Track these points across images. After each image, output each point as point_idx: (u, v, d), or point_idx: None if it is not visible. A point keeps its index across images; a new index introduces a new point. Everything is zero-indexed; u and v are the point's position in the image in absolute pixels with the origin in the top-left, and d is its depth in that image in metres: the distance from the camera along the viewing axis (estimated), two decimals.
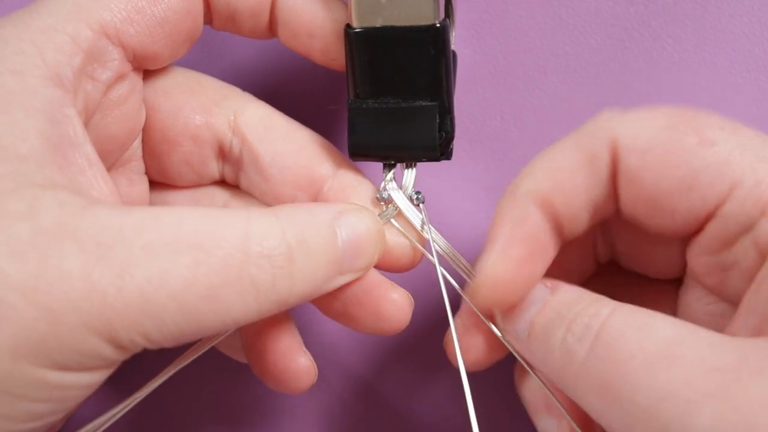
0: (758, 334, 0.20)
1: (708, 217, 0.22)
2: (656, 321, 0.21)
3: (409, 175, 0.28)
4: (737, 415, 0.18)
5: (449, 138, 0.26)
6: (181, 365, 0.27)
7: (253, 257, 0.22)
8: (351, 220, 0.25)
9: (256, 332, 0.28)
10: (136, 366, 0.26)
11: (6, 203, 0.20)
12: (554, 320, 0.23)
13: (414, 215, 0.27)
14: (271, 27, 0.27)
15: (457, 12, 0.32)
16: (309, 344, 0.29)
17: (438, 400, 0.34)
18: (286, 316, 0.28)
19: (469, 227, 0.34)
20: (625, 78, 0.32)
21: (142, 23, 0.25)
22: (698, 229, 0.23)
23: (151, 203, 0.29)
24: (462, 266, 0.27)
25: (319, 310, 0.28)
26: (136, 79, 0.26)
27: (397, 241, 0.27)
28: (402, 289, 0.27)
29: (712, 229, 0.22)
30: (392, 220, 0.27)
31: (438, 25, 0.25)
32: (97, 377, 0.22)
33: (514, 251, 0.24)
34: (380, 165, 0.28)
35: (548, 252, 0.25)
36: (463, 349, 0.26)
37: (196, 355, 0.27)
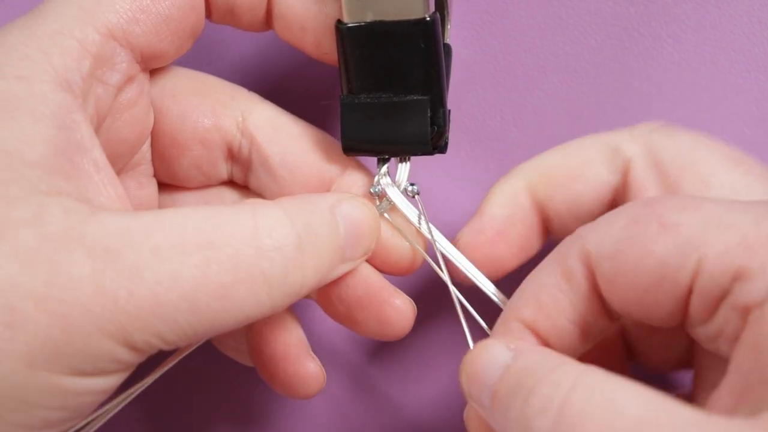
0: (742, 398, 0.19)
1: (688, 297, 0.21)
2: (626, 396, 0.19)
3: (403, 170, 0.28)
4: None
5: (441, 131, 0.26)
6: (179, 357, 0.27)
7: (264, 250, 0.22)
8: (348, 208, 0.25)
9: (263, 336, 0.28)
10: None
11: (12, 211, 0.20)
12: (514, 389, 0.21)
13: (408, 209, 0.27)
14: (268, 20, 0.27)
15: (453, 7, 0.32)
16: (311, 347, 0.29)
17: (439, 402, 0.34)
18: (294, 319, 0.28)
19: None
20: (625, 78, 0.32)
21: (148, 22, 0.25)
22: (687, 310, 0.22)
23: (161, 205, 0.29)
24: (461, 264, 0.27)
25: (325, 312, 0.28)
26: (144, 80, 0.26)
27: (396, 243, 0.27)
28: (405, 296, 0.27)
29: (693, 305, 0.21)
30: (386, 215, 0.27)
31: (428, 18, 0.25)
32: (113, 381, 0.22)
33: None
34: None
35: None
36: None
37: (190, 350, 0.27)
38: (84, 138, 0.23)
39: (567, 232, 0.24)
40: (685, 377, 0.30)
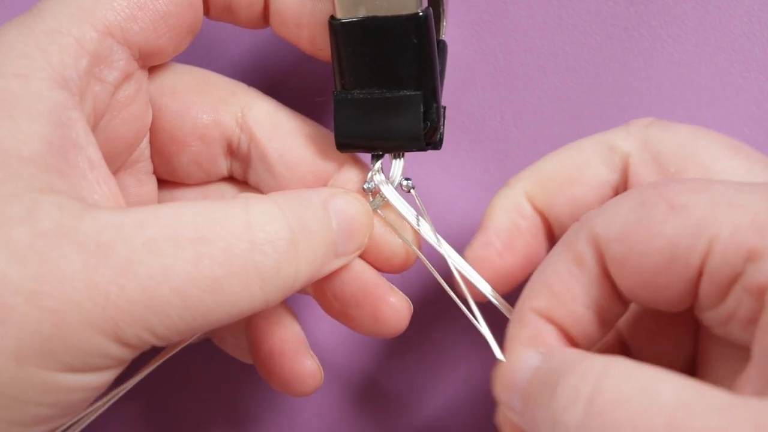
0: None
1: (698, 279, 0.21)
2: (659, 382, 0.19)
3: (397, 166, 0.28)
4: None
5: (435, 127, 0.26)
6: (171, 353, 0.27)
7: (257, 244, 0.22)
8: (340, 203, 0.25)
9: (262, 334, 0.28)
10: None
11: (6, 207, 0.20)
12: (541, 387, 0.21)
13: (402, 205, 0.27)
14: (265, 16, 0.27)
15: (450, 5, 0.32)
16: (311, 346, 0.29)
17: (439, 401, 0.34)
18: (292, 316, 0.28)
19: (470, 227, 0.34)
20: (625, 78, 0.32)
21: (145, 19, 0.25)
22: (697, 293, 0.22)
23: (160, 201, 0.29)
24: (456, 261, 0.27)
25: (322, 308, 0.28)
26: (142, 77, 0.26)
27: (388, 240, 0.27)
28: (401, 294, 0.27)
29: (703, 288, 0.21)
30: (379, 211, 0.27)
31: (420, 13, 0.25)
32: (105, 378, 0.22)
33: None
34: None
35: None
36: None
37: (183, 345, 0.27)
38: (79, 135, 0.23)
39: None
40: None
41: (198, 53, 0.33)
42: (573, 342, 0.23)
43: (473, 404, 0.34)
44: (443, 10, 0.28)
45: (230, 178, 0.29)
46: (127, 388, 0.26)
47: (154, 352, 0.26)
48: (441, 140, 0.27)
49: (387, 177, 0.27)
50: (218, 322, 0.22)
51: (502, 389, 0.23)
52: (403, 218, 0.27)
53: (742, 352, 0.21)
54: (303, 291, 0.29)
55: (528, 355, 0.23)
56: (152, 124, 0.27)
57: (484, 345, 0.27)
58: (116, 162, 0.27)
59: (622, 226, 0.22)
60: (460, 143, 0.33)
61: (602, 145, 0.26)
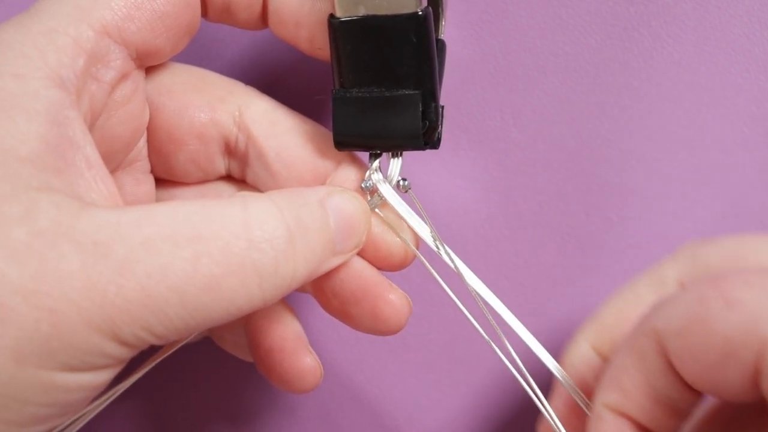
0: None
1: (756, 374, 0.21)
2: None
3: (395, 165, 0.28)
4: None
5: (433, 126, 0.26)
6: (170, 351, 0.27)
7: (255, 242, 0.22)
8: (338, 201, 0.25)
9: (262, 331, 0.28)
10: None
11: (3, 207, 0.20)
12: None
13: (399, 204, 0.27)
14: (264, 17, 0.27)
15: (450, 5, 0.32)
16: (311, 344, 0.29)
17: (439, 401, 0.34)
18: (291, 314, 0.28)
19: (469, 227, 0.34)
20: (625, 78, 0.32)
21: (142, 19, 0.25)
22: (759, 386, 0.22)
23: (158, 201, 0.29)
24: (455, 259, 0.27)
25: (321, 306, 0.28)
26: (139, 77, 0.26)
27: (386, 239, 0.27)
28: (401, 292, 0.27)
29: (764, 384, 0.21)
30: (377, 210, 0.27)
31: (420, 13, 0.24)
32: (103, 377, 0.22)
33: None
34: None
35: None
36: None
37: (181, 344, 0.27)
38: (76, 134, 0.23)
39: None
40: None
41: (196, 53, 0.34)
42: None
43: (473, 403, 0.34)
44: (442, 9, 0.28)
45: (228, 177, 0.29)
46: (126, 387, 0.26)
47: (152, 350, 0.26)
48: (439, 140, 0.27)
49: (385, 176, 0.27)
50: (217, 321, 0.22)
51: None
52: (401, 217, 0.27)
53: None
54: (302, 289, 0.29)
55: None
56: (149, 122, 0.27)
57: (484, 344, 0.27)
58: (113, 161, 0.27)
59: (681, 322, 0.22)
60: (460, 143, 0.33)
61: (654, 281, 0.26)
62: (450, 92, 0.33)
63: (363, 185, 0.27)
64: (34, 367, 0.20)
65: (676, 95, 0.32)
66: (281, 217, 0.23)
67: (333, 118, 0.27)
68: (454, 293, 0.27)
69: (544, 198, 0.33)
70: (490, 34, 0.33)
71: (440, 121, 0.27)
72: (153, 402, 0.36)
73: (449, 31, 0.33)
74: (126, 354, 0.21)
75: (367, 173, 0.27)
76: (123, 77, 0.25)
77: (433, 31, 0.25)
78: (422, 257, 0.27)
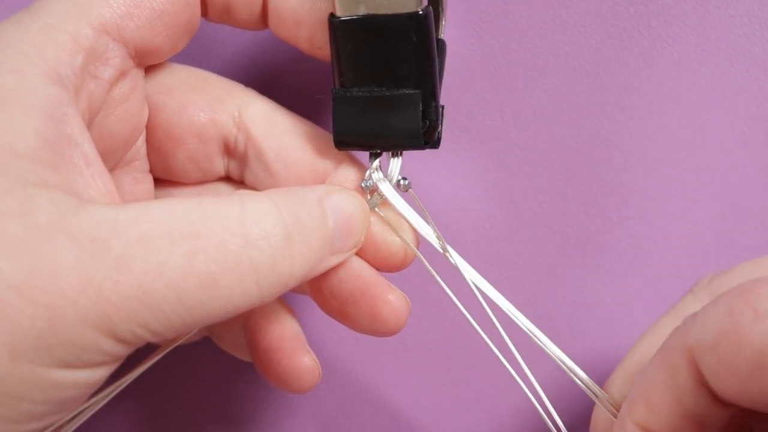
0: None
1: None
2: None
3: (395, 164, 0.28)
4: None
5: (433, 126, 0.26)
6: (167, 350, 0.27)
7: (252, 239, 0.22)
8: (337, 200, 0.25)
9: (260, 331, 0.28)
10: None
11: None
12: None
13: (400, 204, 0.27)
14: (264, 17, 0.27)
15: (450, 5, 0.32)
16: (310, 344, 0.29)
17: (437, 401, 0.34)
18: (290, 314, 0.28)
19: (469, 227, 0.34)
20: (625, 78, 0.32)
21: (141, 17, 0.25)
22: None
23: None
24: (456, 260, 0.27)
25: (320, 307, 0.28)
26: (138, 75, 0.26)
27: (386, 238, 0.27)
28: (400, 292, 0.27)
29: None
30: (377, 209, 0.27)
31: (420, 12, 0.24)
32: (100, 374, 0.21)
33: None
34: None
35: None
36: None
37: (179, 342, 0.27)
38: (74, 131, 0.23)
39: None
40: None
41: (196, 53, 0.34)
42: None
43: (472, 402, 0.34)
44: (442, 9, 0.28)
45: (227, 179, 0.29)
46: (124, 386, 0.26)
47: (150, 349, 0.26)
48: (439, 139, 0.27)
49: (385, 175, 0.27)
50: (214, 318, 0.22)
51: None
52: (402, 217, 0.27)
53: None
54: (301, 291, 0.29)
55: None
56: (149, 121, 0.27)
57: (483, 343, 0.27)
58: (112, 159, 0.27)
59: (713, 337, 0.22)
60: (460, 143, 0.33)
61: (677, 321, 0.26)
62: (450, 92, 0.33)
63: (363, 184, 0.27)
64: (29, 363, 0.20)
65: (676, 95, 0.32)
66: (278, 215, 0.23)
67: (333, 118, 0.27)
68: (453, 293, 0.27)
69: (544, 198, 0.33)
70: (490, 34, 0.33)
71: (440, 120, 0.27)
72: (151, 401, 0.36)
73: (449, 31, 0.33)
74: (122, 351, 0.21)
75: (367, 172, 0.27)
76: (121, 75, 0.25)
77: (434, 31, 0.25)
78: (422, 257, 0.27)
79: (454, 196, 0.34)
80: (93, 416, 0.26)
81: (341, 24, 0.25)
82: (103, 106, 0.25)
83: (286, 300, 0.29)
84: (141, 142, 0.28)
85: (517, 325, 0.27)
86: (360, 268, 0.27)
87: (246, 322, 0.28)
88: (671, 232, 0.33)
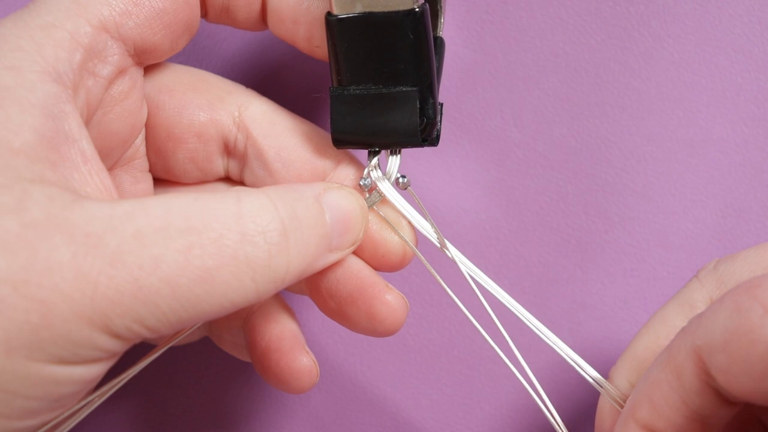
0: None
1: None
2: None
3: (394, 162, 0.27)
4: None
5: (431, 123, 0.26)
6: (165, 348, 0.27)
7: (248, 235, 0.22)
8: (334, 197, 0.25)
9: (259, 330, 0.28)
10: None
11: None
12: None
13: (399, 201, 0.27)
14: (263, 17, 0.27)
15: (449, 3, 0.32)
16: (309, 344, 0.29)
17: (437, 401, 0.34)
18: (289, 313, 0.28)
19: (469, 227, 0.34)
20: (625, 78, 0.32)
21: (140, 15, 0.25)
22: None
23: None
24: (456, 257, 0.27)
25: (318, 307, 0.28)
26: (137, 74, 0.27)
27: (385, 237, 0.27)
28: (397, 292, 0.27)
29: None
30: (375, 208, 0.27)
31: (417, 9, 0.25)
32: (96, 371, 0.21)
33: None
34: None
35: None
36: None
37: (176, 340, 0.27)
38: (72, 128, 0.23)
39: None
40: None
41: (196, 53, 0.34)
42: None
43: (471, 402, 0.34)
44: (441, 7, 0.28)
45: (227, 178, 0.29)
46: (121, 384, 0.26)
47: (147, 348, 0.26)
48: (438, 136, 0.27)
49: (383, 173, 0.27)
50: (209, 314, 0.22)
51: None
52: (401, 214, 0.27)
53: None
54: (299, 291, 0.29)
55: None
56: (148, 121, 0.28)
57: (483, 343, 0.27)
58: (111, 158, 0.27)
59: (722, 336, 0.21)
60: (460, 143, 0.33)
61: (683, 306, 0.26)
62: (450, 92, 0.33)
63: (361, 182, 0.27)
64: (24, 358, 0.20)
65: (676, 95, 0.32)
66: (275, 211, 0.23)
67: (331, 116, 0.27)
68: (452, 291, 0.27)
69: (545, 198, 0.33)
70: (491, 34, 0.33)
71: (439, 117, 0.27)
72: (148, 401, 0.36)
73: (450, 31, 0.33)
74: (118, 347, 0.21)
75: (366, 171, 0.27)
76: (120, 73, 0.25)
77: (431, 28, 0.25)
78: (421, 255, 0.27)
79: (454, 196, 0.34)
80: (90, 415, 0.26)
81: (338, 22, 0.25)
82: (102, 103, 0.25)
83: (286, 300, 0.29)
84: (140, 140, 0.28)
85: (516, 321, 0.27)
86: (358, 268, 0.27)
87: (245, 322, 0.28)
88: (671, 232, 0.33)
